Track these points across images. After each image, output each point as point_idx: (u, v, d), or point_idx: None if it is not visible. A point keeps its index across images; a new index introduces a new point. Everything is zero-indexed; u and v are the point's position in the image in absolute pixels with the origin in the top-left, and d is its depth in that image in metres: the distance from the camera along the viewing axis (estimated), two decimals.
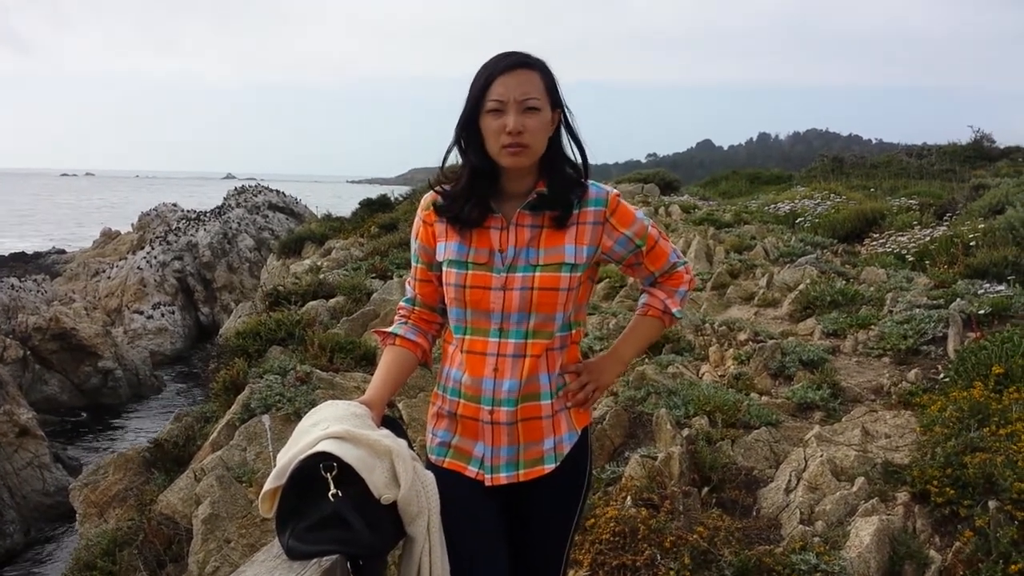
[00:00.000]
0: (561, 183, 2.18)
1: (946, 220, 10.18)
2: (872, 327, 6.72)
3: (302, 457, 2.10)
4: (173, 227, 29.55)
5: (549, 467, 2.27)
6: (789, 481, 4.60)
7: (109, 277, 26.87)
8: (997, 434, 4.55)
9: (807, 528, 4.19)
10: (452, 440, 2.29)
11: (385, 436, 2.01)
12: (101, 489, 5.11)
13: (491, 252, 2.18)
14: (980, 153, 24.10)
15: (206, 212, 31.16)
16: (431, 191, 2.32)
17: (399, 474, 1.96)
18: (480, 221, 2.20)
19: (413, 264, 2.38)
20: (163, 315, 25.57)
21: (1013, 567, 3.68)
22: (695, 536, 4.00)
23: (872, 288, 7.70)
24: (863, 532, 4.02)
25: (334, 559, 1.92)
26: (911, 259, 8.69)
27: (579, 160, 2.26)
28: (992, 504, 4.07)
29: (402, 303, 2.42)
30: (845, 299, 7.33)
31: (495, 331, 2.19)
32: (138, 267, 26.50)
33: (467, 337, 2.23)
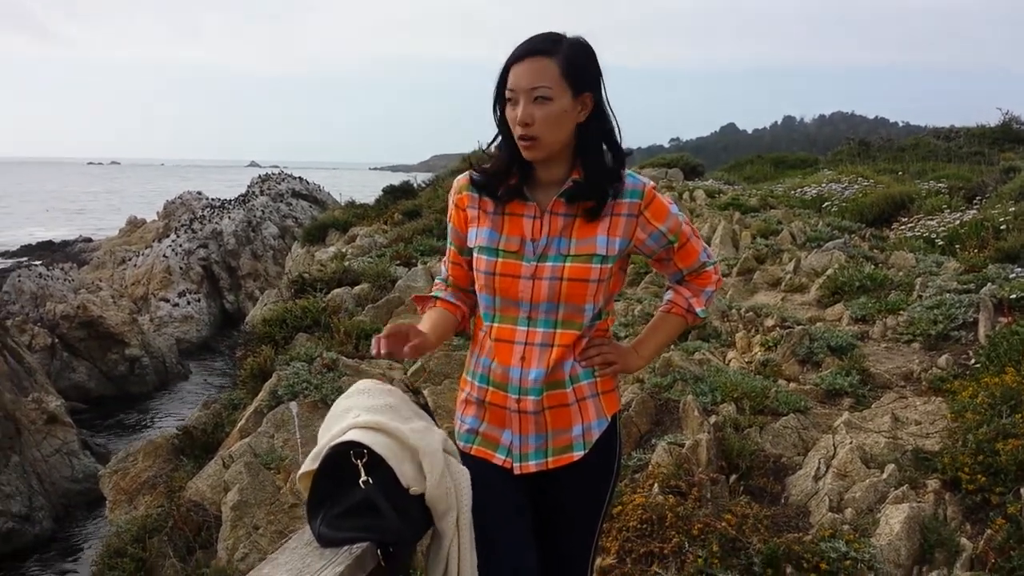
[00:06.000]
0: (595, 172, 2.13)
1: (976, 203, 10.01)
2: (901, 312, 6.63)
3: (332, 444, 2.11)
4: (198, 215, 29.71)
5: (578, 454, 2.26)
6: (818, 468, 4.56)
7: (135, 265, 27.07)
8: None
9: (836, 516, 4.16)
10: (480, 427, 2.30)
11: (418, 431, 1.99)
12: (131, 476, 5.15)
13: (522, 240, 2.16)
14: (1009, 135, 23.66)
15: (230, 200, 31.28)
16: (464, 173, 2.31)
17: (426, 470, 1.94)
18: (510, 200, 2.18)
19: (448, 246, 2.39)
20: (188, 303, 25.75)
21: None
22: (723, 524, 3.97)
23: (901, 273, 7.60)
24: (893, 520, 3.98)
25: (365, 546, 1.92)
26: (940, 243, 8.57)
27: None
28: None
29: (437, 279, 2.45)
30: (874, 284, 7.24)
31: (523, 319, 2.18)
32: (164, 255, 26.67)
33: (496, 325, 2.22)
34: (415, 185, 14.67)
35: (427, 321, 2.32)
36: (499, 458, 2.26)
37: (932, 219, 9.48)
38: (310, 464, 2.01)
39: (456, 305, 2.37)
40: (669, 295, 2.41)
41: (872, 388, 5.53)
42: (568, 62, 2.07)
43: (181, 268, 26.66)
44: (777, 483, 4.55)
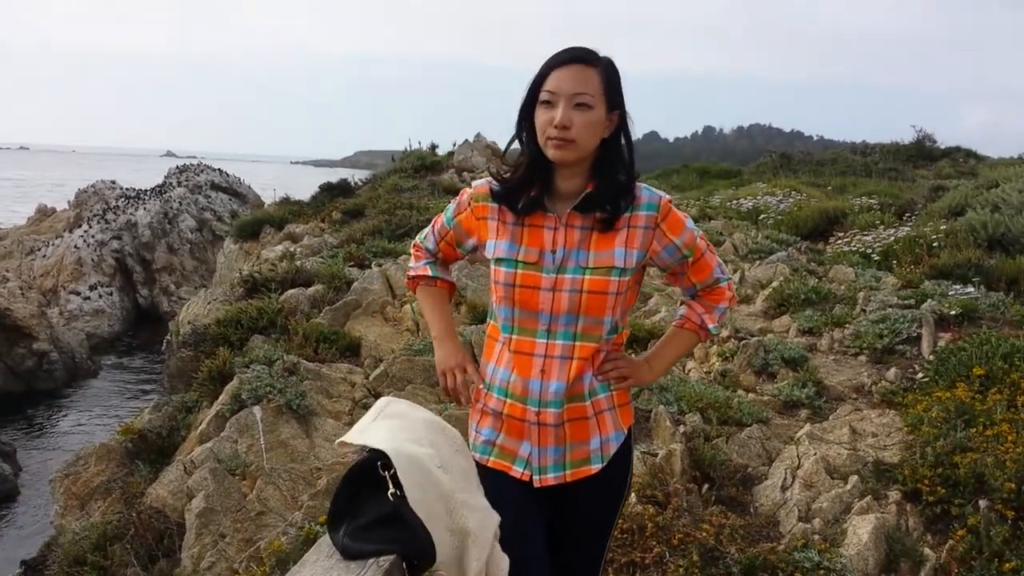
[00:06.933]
0: (609, 186, 2.16)
1: (907, 220, 10.41)
2: (847, 325, 6.84)
3: (359, 459, 2.07)
4: (112, 205, 28.62)
5: (596, 467, 2.28)
6: (785, 479, 4.68)
7: (45, 256, 25.95)
8: (984, 434, 4.69)
9: (806, 525, 4.28)
10: (497, 439, 2.30)
11: (479, 512, 1.89)
12: (83, 480, 4.93)
13: (541, 252, 2.18)
14: (922, 153, 24.74)
15: (146, 191, 30.24)
16: (483, 181, 2.31)
17: (473, 557, 1.83)
18: (530, 212, 2.20)
19: (444, 224, 2.42)
20: (100, 296, 24.87)
21: (1007, 565, 3.82)
22: (702, 533, 4.05)
23: (843, 287, 7.84)
24: (861, 530, 4.12)
25: (392, 559, 1.89)
26: (876, 258, 8.88)
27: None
28: (983, 503, 4.20)
29: (422, 245, 2.50)
30: (818, 297, 7.45)
31: (543, 332, 2.20)
32: (75, 246, 25.66)
33: (515, 337, 2.23)
34: (352, 183, 14.53)
35: (439, 311, 2.46)
36: (517, 471, 2.27)
37: (867, 235, 9.81)
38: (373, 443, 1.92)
39: (450, 283, 2.50)
40: (682, 310, 2.45)
41: (827, 400, 5.68)
42: (608, 77, 2.13)
43: (93, 260, 25.70)
44: (746, 493, 4.65)
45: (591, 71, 2.10)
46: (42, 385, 18.58)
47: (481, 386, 2.33)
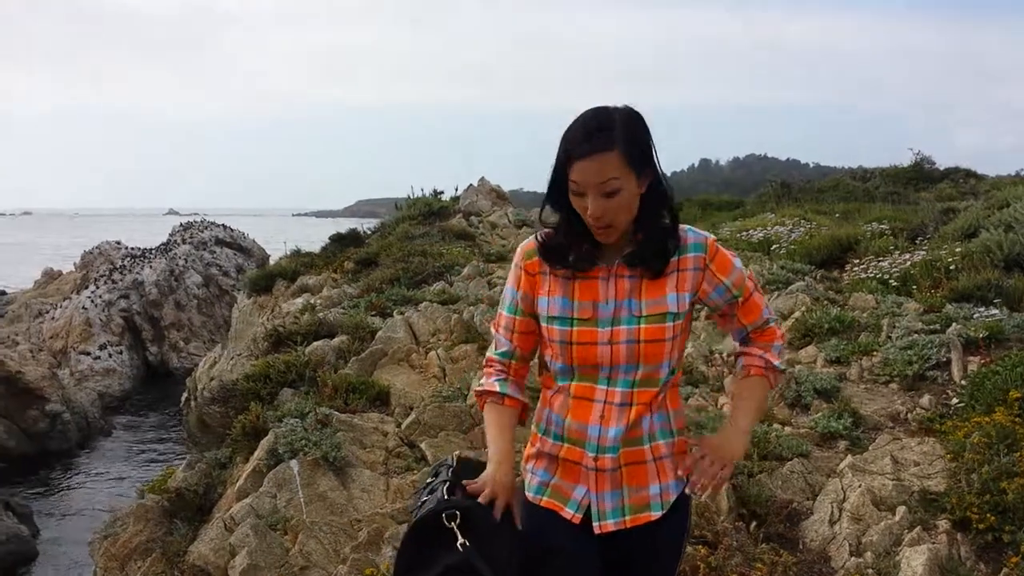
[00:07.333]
0: (653, 239, 2.16)
1: (920, 243, 10.39)
2: (875, 353, 6.80)
3: (424, 512, 2.11)
4: (118, 265, 28.82)
5: (656, 514, 2.26)
6: (832, 513, 4.63)
7: (53, 318, 26.08)
8: None
9: (859, 560, 4.23)
10: (551, 480, 2.29)
11: None
12: (121, 541, 4.90)
13: (594, 304, 2.17)
14: (922, 175, 24.72)
15: (151, 249, 30.45)
16: (531, 238, 2.31)
17: None
18: (586, 268, 2.19)
19: (507, 315, 2.33)
20: (111, 355, 24.94)
21: None
22: (756, 573, 4.00)
23: (865, 314, 7.81)
24: (915, 562, 4.07)
25: None
26: (895, 284, 8.85)
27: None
28: None
29: (495, 356, 2.37)
30: (843, 326, 7.41)
31: (603, 379, 2.20)
32: (83, 307, 25.80)
33: (575, 383, 2.23)
34: (362, 232, 14.61)
35: (501, 435, 2.29)
36: (568, 512, 2.25)
37: (883, 260, 9.78)
38: None
39: (521, 401, 2.35)
40: (741, 360, 2.39)
41: (865, 430, 5.64)
42: (629, 147, 2.05)
43: (101, 320, 25.79)
44: (794, 529, 4.59)
45: (610, 155, 2.02)
46: (56, 446, 18.56)
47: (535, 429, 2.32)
